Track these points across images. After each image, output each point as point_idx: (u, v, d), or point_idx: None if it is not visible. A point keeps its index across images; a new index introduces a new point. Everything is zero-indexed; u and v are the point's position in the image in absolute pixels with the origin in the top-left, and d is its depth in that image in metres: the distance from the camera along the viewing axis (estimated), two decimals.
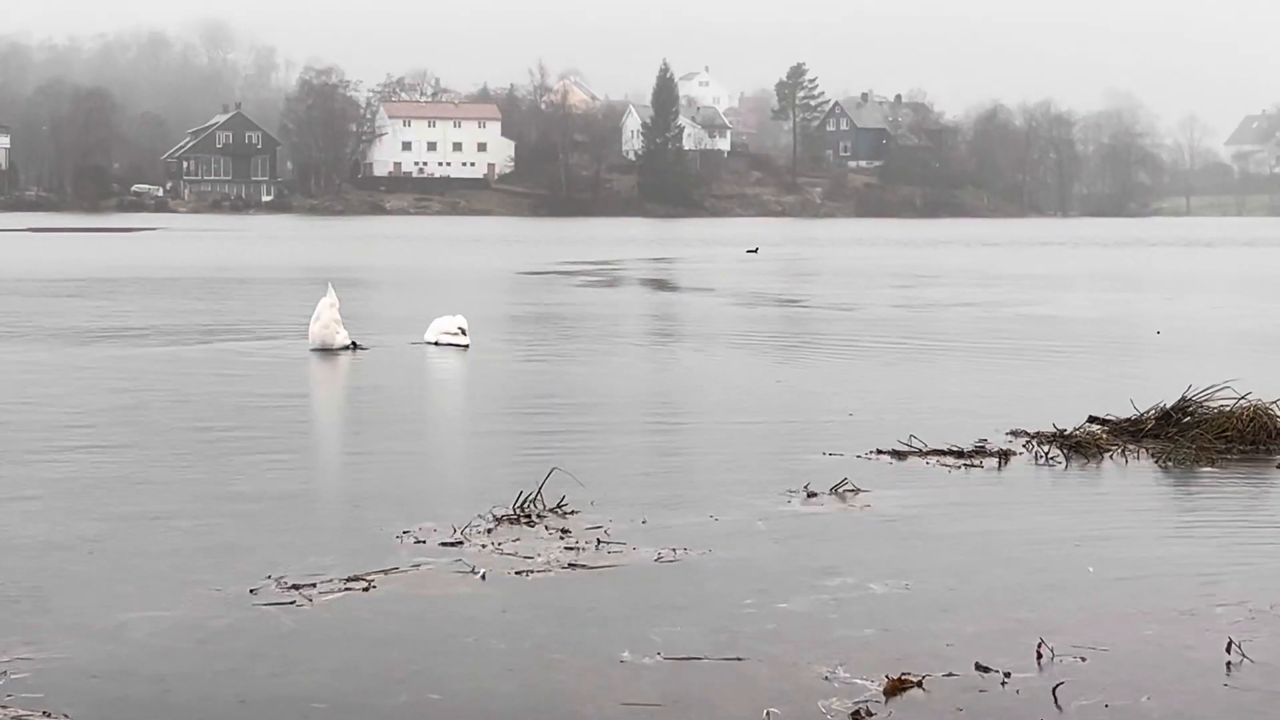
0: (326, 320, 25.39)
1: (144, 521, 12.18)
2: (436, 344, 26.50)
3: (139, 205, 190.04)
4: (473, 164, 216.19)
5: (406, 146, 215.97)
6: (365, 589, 10.11)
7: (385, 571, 10.52)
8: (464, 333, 26.58)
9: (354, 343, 25.59)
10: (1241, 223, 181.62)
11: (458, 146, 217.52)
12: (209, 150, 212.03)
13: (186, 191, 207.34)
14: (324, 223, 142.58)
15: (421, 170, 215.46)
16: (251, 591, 9.98)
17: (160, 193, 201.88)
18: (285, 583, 10.18)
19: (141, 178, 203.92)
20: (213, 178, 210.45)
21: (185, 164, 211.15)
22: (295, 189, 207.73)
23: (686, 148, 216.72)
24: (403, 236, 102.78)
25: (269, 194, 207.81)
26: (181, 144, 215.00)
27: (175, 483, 13.86)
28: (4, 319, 32.10)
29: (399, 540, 11.50)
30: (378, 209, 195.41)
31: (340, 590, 10.07)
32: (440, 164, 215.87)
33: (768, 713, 7.27)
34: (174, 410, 18.77)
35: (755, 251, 76.69)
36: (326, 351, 25.09)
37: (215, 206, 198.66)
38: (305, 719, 7.68)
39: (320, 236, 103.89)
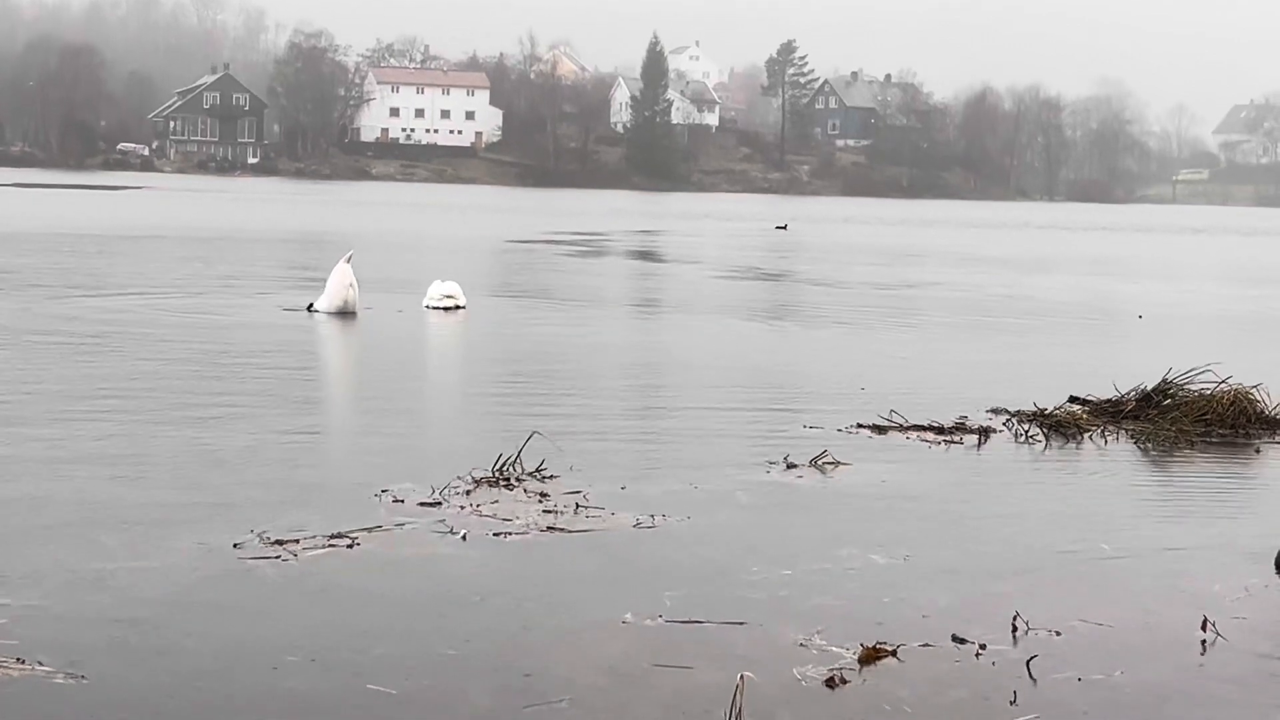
0: (348, 285, 25.56)
1: (124, 476, 12.18)
2: (429, 308, 26.81)
3: (124, 164, 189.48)
4: (460, 132, 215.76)
5: (394, 112, 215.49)
6: (349, 546, 10.13)
7: (369, 530, 10.54)
8: (457, 298, 26.91)
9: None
10: (1226, 212, 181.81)
11: (445, 114, 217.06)
12: (196, 111, 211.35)
13: (172, 151, 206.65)
14: (311, 186, 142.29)
15: (409, 137, 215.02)
16: (235, 546, 9.99)
17: (146, 152, 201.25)
18: (268, 538, 10.19)
19: (127, 136, 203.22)
20: (199, 138, 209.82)
21: (171, 124, 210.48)
22: (281, 152, 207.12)
23: (675, 122, 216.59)
24: (391, 203, 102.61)
25: (255, 156, 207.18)
26: (168, 104, 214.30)
27: (156, 439, 13.85)
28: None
29: (377, 499, 11.51)
30: (364, 174, 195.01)
31: (324, 546, 10.09)
32: (428, 131, 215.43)
33: (741, 676, 7.29)
34: (158, 367, 18.74)
35: (784, 228, 76.91)
36: (342, 315, 25.24)
37: (201, 167, 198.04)
38: (279, 670, 7.69)
39: (310, 200, 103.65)
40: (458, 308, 26.87)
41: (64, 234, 49.03)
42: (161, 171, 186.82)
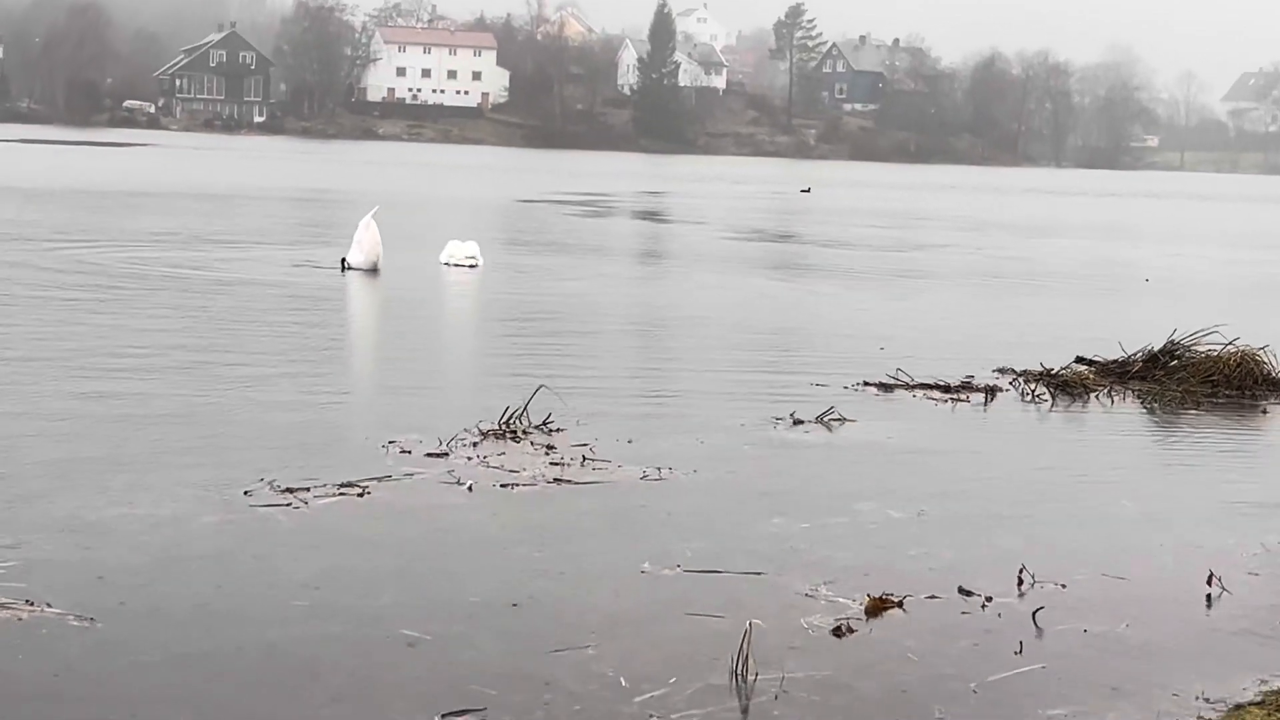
0: (378, 240, 25.73)
1: (135, 426, 12.21)
2: (448, 264, 27.08)
3: (130, 121, 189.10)
4: (467, 92, 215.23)
5: (401, 72, 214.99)
6: (360, 494, 10.17)
7: (378, 479, 10.57)
8: (476, 258, 27.25)
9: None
10: (1234, 180, 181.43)
11: (452, 74, 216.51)
12: (202, 69, 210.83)
13: (178, 109, 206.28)
14: (318, 146, 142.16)
15: (415, 97, 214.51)
16: (245, 494, 10.03)
17: (152, 110, 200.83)
18: (278, 486, 10.22)
19: (134, 94, 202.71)
20: (205, 96, 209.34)
21: (178, 82, 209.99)
22: (288, 111, 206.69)
23: (682, 84, 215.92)
24: (399, 162, 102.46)
25: (261, 115, 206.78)
26: (175, 61, 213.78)
27: (169, 389, 13.89)
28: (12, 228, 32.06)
29: (384, 450, 11.54)
30: (370, 134, 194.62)
31: (334, 495, 10.12)
32: (434, 91, 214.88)
33: (749, 623, 7.32)
34: (177, 320, 18.77)
35: (808, 191, 76.90)
36: (371, 271, 25.38)
37: (207, 125, 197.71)
38: (290, 615, 7.72)
39: (318, 159, 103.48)
40: (474, 266, 27.08)
41: (84, 190, 48.98)
42: (167, 129, 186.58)
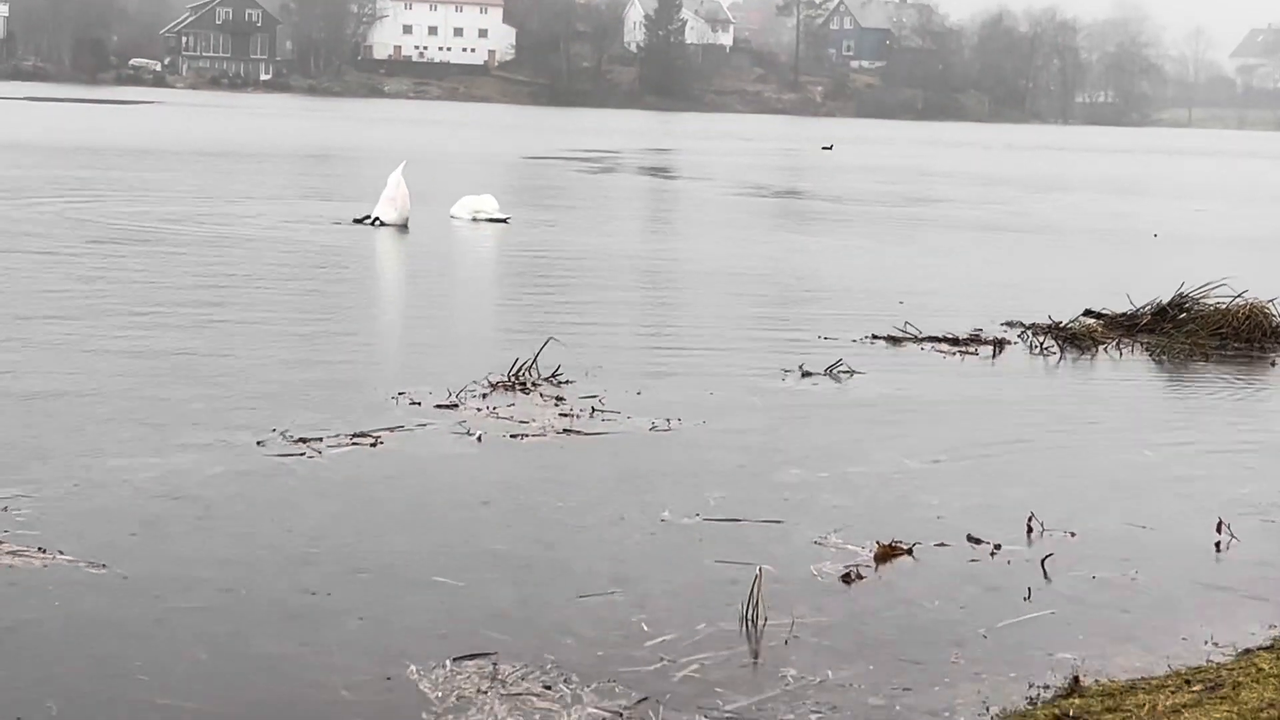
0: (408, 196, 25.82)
1: (146, 378, 12.24)
2: (474, 219, 27.11)
3: (136, 79, 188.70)
4: (473, 50, 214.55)
5: (407, 30, 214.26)
6: (372, 444, 10.20)
7: (390, 429, 10.60)
8: (492, 212, 27.37)
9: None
10: (1242, 136, 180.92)
11: (459, 32, 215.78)
12: (208, 26, 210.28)
13: (185, 67, 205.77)
14: (325, 104, 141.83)
15: (422, 54, 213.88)
16: (259, 444, 10.06)
17: (158, 68, 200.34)
18: (290, 436, 10.25)
19: (140, 52, 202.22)
20: (211, 54, 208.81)
21: (184, 39, 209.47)
22: (294, 69, 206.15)
23: (688, 41, 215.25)
24: (407, 120, 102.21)
25: (267, 73, 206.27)
26: (181, 19, 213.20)
27: (182, 342, 13.93)
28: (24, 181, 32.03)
29: (394, 401, 11.56)
30: (376, 92, 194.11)
31: (347, 445, 10.15)
32: (440, 49, 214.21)
33: (760, 569, 7.35)
34: (189, 274, 18.81)
35: (830, 149, 76.78)
36: (399, 228, 25.45)
37: (213, 83, 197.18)
38: (303, 561, 7.75)
39: (328, 116, 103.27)
40: (492, 221, 27.12)
41: (106, 148, 48.90)
42: (174, 88, 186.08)
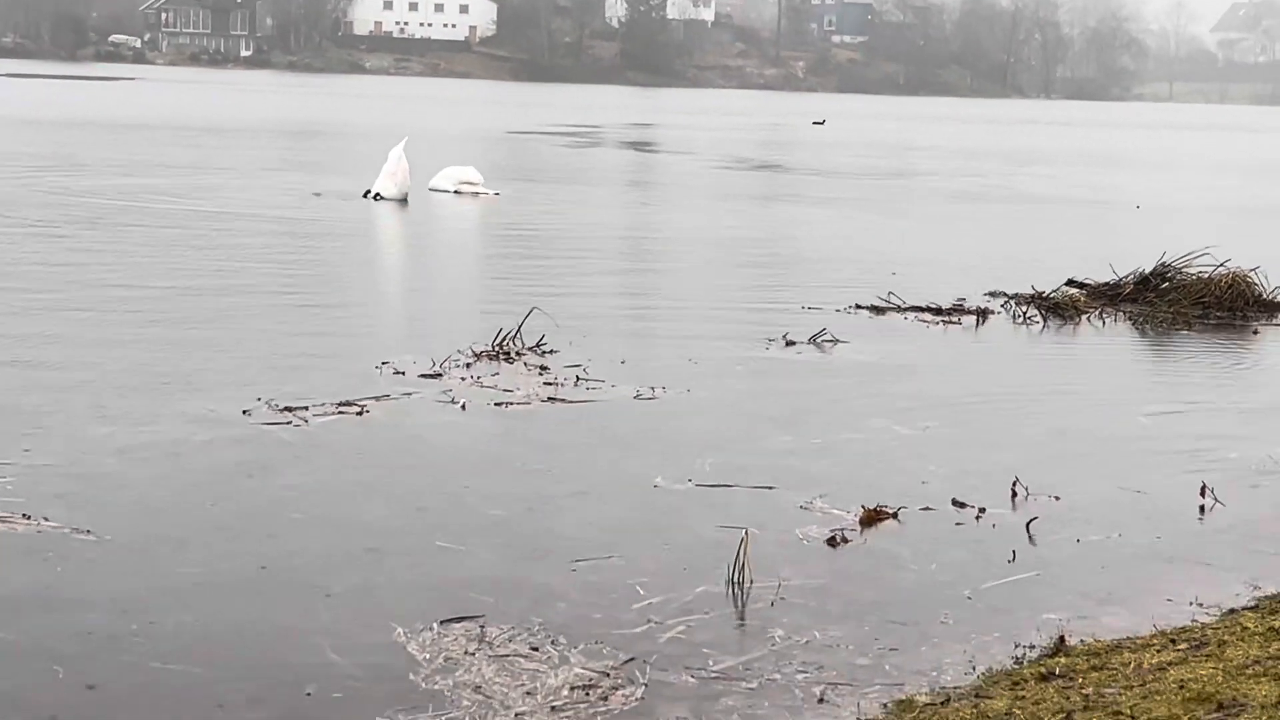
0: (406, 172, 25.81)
1: (133, 349, 12.24)
2: (458, 192, 27.12)
3: (116, 56, 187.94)
4: (454, 25, 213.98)
5: (388, 5, 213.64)
6: (359, 413, 10.20)
7: (376, 398, 10.60)
8: (477, 185, 27.44)
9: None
10: (1224, 110, 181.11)
11: (439, 7, 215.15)
12: (188, 2, 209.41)
13: (164, 43, 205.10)
14: (306, 80, 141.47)
15: (402, 30, 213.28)
16: (244, 413, 10.05)
17: (138, 44, 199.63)
18: (276, 405, 10.25)
19: (119, 28, 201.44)
20: (191, 30, 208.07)
21: (164, 15, 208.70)
22: (274, 45, 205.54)
23: (670, 17, 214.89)
24: (390, 95, 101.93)
25: (247, 49, 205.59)
26: None
27: (164, 314, 13.92)
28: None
29: (378, 371, 11.56)
30: (357, 68, 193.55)
31: (334, 413, 10.16)
32: (421, 24, 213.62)
33: (746, 532, 7.36)
34: (170, 248, 18.78)
35: (822, 123, 76.68)
36: (399, 202, 25.46)
37: (193, 60, 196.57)
38: (287, 528, 7.76)
39: (311, 93, 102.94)
40: (478, 194, 27.17)
41: (89, 122, 48.71)
42: (154, 64, 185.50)
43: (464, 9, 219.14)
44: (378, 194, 25.66)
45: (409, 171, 25.69)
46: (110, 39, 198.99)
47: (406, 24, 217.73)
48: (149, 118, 54.94)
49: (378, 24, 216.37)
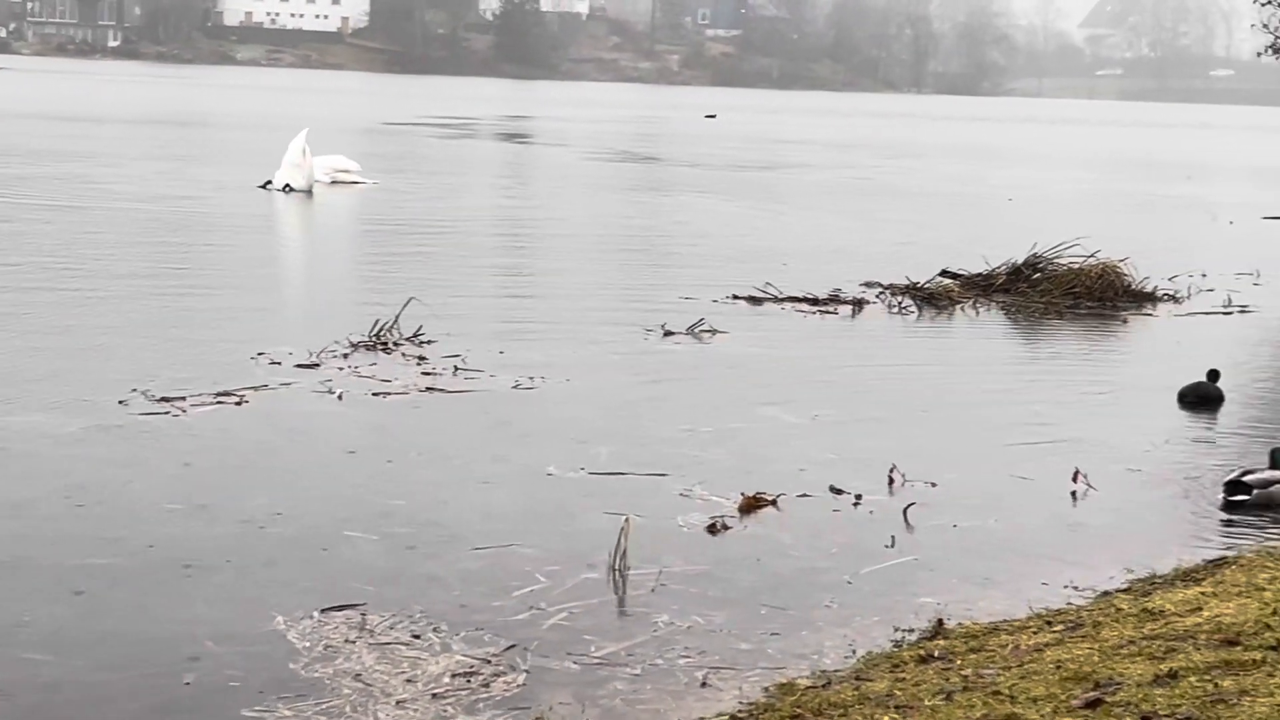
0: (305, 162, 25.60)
1: (2, 337, 12.07)
2: (333, 182, 27.06)
3: None
4: (326, 17, 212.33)
5: None
6: (237, 403, 10.11)
7: (254, 388, 10.51)
8: (352, 173, 27.41)
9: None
10: (1092, 105, 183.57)
11: None
12: None
13: (30, 33, 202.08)
14: (177, 71, 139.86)
15: (274, 21, 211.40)
16: (120, 403, 9.93)
17: (2, 34, 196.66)
18: (152, 395, 10.14)
19: None
20: (58, 20, 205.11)
21: (30, 5, 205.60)
22: (143, 35, 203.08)
23: (544, 9, 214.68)
24: (261, 87, 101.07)
25: (115, 39, 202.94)
26: None
27: (38, 304, 13.73)
28: None
29: (254, 361, 11.46)
30: (228, 59, 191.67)
31: (212, 403, 10.06)
32: (293, 15, 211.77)
33: (627, 519, 7.37)
34: (45, 238, 18.51)
35: (714, 117, 76.71)
36: (305, 193, 25.30)
37: (60, 50, 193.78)
38: (161, 517, 7.66)
39: (183, 84, 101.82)
40: (354, 183, 27.11)
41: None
42: (19, 54, 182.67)
43: (336, 0, 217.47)
44: (287, 185, 25.44)
45: (313, 163, 25.60)
46: None
47: (278, 15, 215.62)
48: (17, 108, 54.05)
49: (248, 14, 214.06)
